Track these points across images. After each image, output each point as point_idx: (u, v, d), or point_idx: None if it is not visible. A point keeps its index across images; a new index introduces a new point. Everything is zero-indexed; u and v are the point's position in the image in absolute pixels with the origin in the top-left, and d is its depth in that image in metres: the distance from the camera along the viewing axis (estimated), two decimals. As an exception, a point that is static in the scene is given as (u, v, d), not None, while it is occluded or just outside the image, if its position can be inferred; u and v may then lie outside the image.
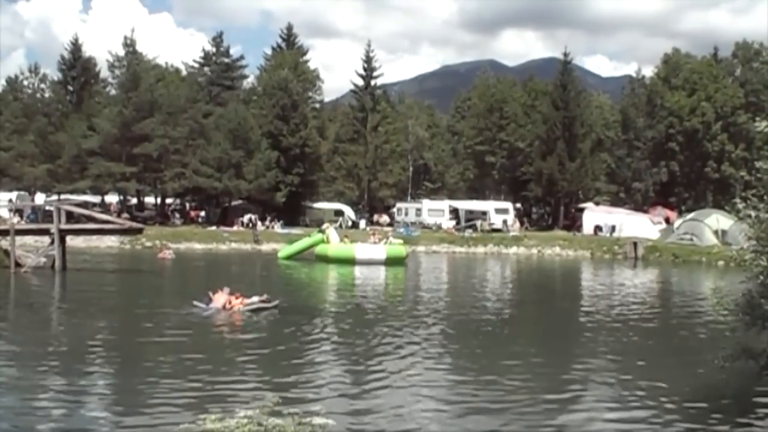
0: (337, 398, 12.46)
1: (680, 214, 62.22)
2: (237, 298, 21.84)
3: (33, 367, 14.31)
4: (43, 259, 33.11)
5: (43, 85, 66.06)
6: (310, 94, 70.28)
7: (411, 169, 76.86)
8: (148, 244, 47.21)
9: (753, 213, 11.41)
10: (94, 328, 18.65)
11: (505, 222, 59.57)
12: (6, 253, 32.65)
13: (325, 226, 45.30)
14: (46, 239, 33.97)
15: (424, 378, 14.04)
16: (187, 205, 69.18)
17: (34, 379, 13.47)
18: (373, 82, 70.25)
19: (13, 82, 68.61)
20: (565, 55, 68.77)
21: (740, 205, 11.61)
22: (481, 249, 52.75)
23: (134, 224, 39.53)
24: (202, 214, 65.81)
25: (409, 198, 72.69)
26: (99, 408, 11.85)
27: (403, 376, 14.06)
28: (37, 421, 11.02)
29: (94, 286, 28.18)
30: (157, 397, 12.19)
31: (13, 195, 58.90)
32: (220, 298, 21.59)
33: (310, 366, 15.08)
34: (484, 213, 61.08)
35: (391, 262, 39.83)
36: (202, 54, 71.03)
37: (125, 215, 53.11)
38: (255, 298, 21.94)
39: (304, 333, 18.62)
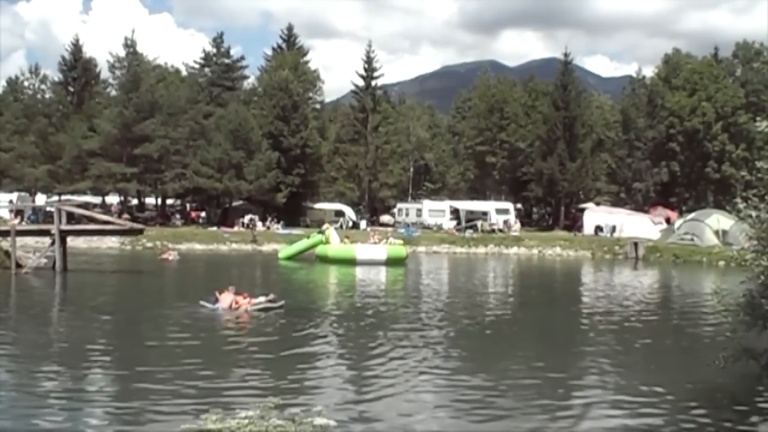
0: (338, 399, 12.45)
1: (681, 214, 62.24)
2: (244, 297, 21.86)
3: (34, 368, 14.30)
4: (44, 260, 33.11)
5: (43, 86, 66.25)
6: (311, 94, 70.35)
7: (411, 169, 76.93)
8: (149, 245, 47.23)
9: (754, 213, 11.41)
10: (95, 329, 18.66)
11: (506, 222, 59.59)
12: (7, 254, 32.67)
13: (325, 227, 45.29)
14: (47, 240, 33.98)
15: (427, 379, 14.01)
16: (188, 205, 69.28)
17: (35, 379, 13.47)
18: (373, 83, 70.26)
19: (13, 83, 68.73)
20: (566, 55, 68.82)
21: (741, 205, 11.62)
22: (481, 249, 52.75)
23: (135, 225, 39.55)
24: (203, 214, 65.89)
25: (409, 198, 72.72)
26: (101, 408, 11.84)
27: (406, 378, 14.03)
28: (38, 421, 11.02)
29: (96, 287, 28.18)
30: (159, 397, 12.19)
31: (14, 196, 58.98)
32: (226, 298, 21.62)
33: (312, 367, 15.08)
34: (485, 213, 61.09)
35: (392, 262, 39.85)
36: (202, 55, 71.14)
37: (126, 216, 53.14)
38: (261, 298, 21.97)
39: (306, 334, 18.62)
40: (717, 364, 12.02)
